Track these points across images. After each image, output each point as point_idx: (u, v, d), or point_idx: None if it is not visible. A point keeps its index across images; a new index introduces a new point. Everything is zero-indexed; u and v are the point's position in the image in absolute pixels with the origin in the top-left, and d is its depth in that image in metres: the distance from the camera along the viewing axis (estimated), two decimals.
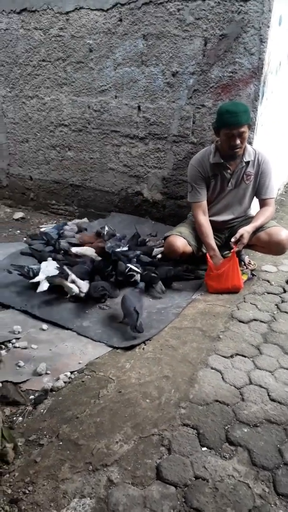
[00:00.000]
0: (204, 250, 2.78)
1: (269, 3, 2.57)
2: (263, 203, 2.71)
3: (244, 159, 2.60)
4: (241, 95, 2.85)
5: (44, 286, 2.42)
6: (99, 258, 2.80)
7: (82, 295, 2.42)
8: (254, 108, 2.85)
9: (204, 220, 2.71)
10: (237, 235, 2.51)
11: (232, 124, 2.41)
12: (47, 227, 3.47)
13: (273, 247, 2.63)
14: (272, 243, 2.59)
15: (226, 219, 2.81)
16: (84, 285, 2.45)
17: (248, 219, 2.73)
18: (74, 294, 2.41)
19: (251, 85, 2.80)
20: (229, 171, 2.63)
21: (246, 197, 2.74)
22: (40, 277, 2.50)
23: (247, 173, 2.64)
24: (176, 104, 3.12)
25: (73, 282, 2.43)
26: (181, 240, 2.68)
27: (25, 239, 3.52)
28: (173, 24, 2.92)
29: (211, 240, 2.68)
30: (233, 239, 2.53)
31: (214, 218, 2.80)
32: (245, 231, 2.52)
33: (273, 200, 2.71)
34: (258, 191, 2.70)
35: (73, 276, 2.44)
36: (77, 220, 3.67)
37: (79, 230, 3.33)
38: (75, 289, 2.40)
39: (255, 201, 2.81)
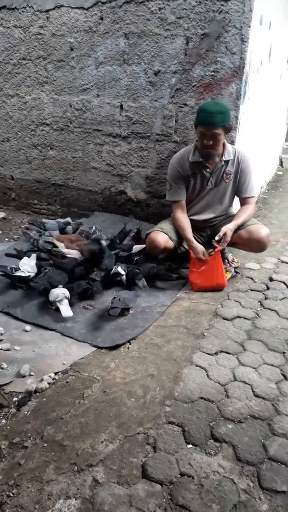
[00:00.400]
0: (186, 246, 2.80)
1: (249, 3, 2.59)
2: (243, 202, 2.73)
3: (223, 158, 2.62)
4: (223, 94, 2.87)
5: (67, 311, 2.31)
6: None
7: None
8: (236, 107, 2.87)
9: (181, 216, 2.74)
10: (221, 233, 2.53)
11: (205, 124, 2.44)
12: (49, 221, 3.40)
13: (254, 245, 2.66)
14: (252, 240, 2.61)
15: (207, 218, 2.83)
16: (67, 292, 2.39)
17: (229, 217, 2.76)
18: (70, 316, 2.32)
19: (233, 84, 2.82)
20: (208, 170, 2.65)
21: (227, 196, 2.77)
22: (22, 272, 2.49)
23: (226, 172, 2.67)
24: (159, 103, 3.13)
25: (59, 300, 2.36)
26: (162, 236, 2.69)
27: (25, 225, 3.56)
28: (155, 23, 2.92)
29: (189, 234, 2.69)
30: (216, 237, 2.54)
31: (195, 217, 2.81)
32: (228, 229, 2.54)
33: (253, 199, 2.74)
34: (239, 190, 2.72)
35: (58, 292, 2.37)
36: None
37: (75, 230, 3.26)
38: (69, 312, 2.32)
39: (237, 199, 2.83)
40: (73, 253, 2.76)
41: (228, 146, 2.64)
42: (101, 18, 3.09)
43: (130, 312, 2.36)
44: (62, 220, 3.38)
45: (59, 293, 2.33)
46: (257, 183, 4.01)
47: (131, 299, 2.37)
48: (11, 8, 3.43)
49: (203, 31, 2.79)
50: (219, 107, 2.45)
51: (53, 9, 3.24)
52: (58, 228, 3.23)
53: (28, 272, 2.55)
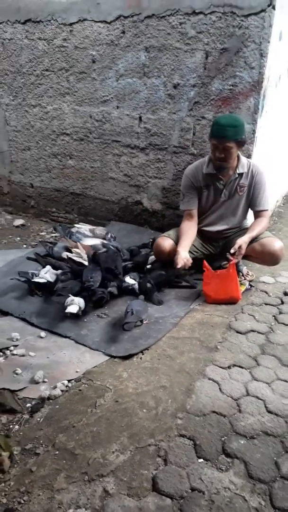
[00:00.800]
0: (195, 254, 2.81)
1: (269, 18, 2.61)
2: (257, 215, 2.74)
3: (237, 170, 2.64)
4: (241, 108, 2.89)
5: (73, 308, 2.33)
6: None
7: (80, 313, 2.39)
8: (254, 121, 2.88)
9: (185, 224, 2.77)
10: (236, 246, 2.53)
11: (217, 137, 2.48)
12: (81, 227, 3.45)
13: (267, 258, 2.65)
14: (266, 253, 2.61)
15: (220, 229, 2.83)
16: (82, 302, 2.41)
17: (243, 230, 2.76)
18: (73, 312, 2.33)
19: (251, 98, 2.83)
20: (221, 182, 2.67)
21: (240, 208, 2.77)
22: (40, 278, 2.54)
23: (240, 185, 2.68)
24: (177, 115, 3.16)
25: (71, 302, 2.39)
26: (168, 241, 2.73)
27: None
28: (175, 37, 2.96)
29: (183, 240, 2.67)
30: (232, 250, 2.54)
31: (209, 228, 2.83)
32: (243, 241, 2.54)
33: (267, 212, 2.74)
34: (252, 203, 2.73)
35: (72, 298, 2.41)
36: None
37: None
38: (74, 309, 2.33)
39: (251, 212, 2.83)
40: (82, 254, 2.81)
41: (243, 159, 2.66)
42: (123, 32, 3.15)
43: (144, 322, 2.37)
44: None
45: (73, 299, 2.36)
46: (271, 197, 4.00)
47: (143, 310, 2.38)
48: (36, 21, 3.52)
49: (222, 45, 2.82)
50: (232, 120, 2.48)
51: (77, 22, 3.32)
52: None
53: (47, 279, 2.58)
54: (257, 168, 2.68)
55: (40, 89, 3.74)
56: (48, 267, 2.71)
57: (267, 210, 2.73)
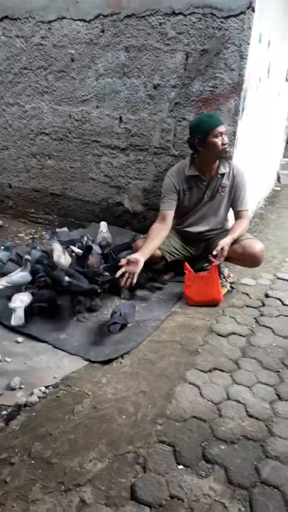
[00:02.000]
0: (174, 255, 2.80)
1: (249, 21, 2.61)
2: (238, 215, 2.74)
3: (219, 171, 2.65)
4: (222, 109, 2.89)
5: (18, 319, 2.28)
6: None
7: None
8: (234, 123, 2.88)
9: (159, 226, 2.67)
10: (218, 248, 2.52)
11: (218, 124, 2.49)
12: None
13: (248, 260, 2.66)
14: (247, 255, 2.61)
15: (201, 230, 2.82)
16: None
17: (224, 232, 2.75)
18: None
19: (232, 100, 2.83)
20: (204, 183, 2.67)
21: (221, 209, 2.77)
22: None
23: (222, 185, 2.68)
24: (158, 116, 3.14)
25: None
26: None
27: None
28: (155, 38, 2.94)
29: (148, 242, 2.58)
30: (214, 252, 2.53)
31: (190, 229, 2.82)
32: (225, 243, 2.53)
33: (247, 213, 2.76)
34: (233, 204, 2.74)
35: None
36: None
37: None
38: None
39: (231, 213, 2.83)
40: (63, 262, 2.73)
41: (224, 160, 2.66)
42: (102, 31, 3.11)
43: (128, 326, 2.34)
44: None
45: (17, 299, 2.32)
46: (253, 198, 4.02)
47: (130, 314, 2.34)
48: (13, 18, 3.45)
49: (202, 47, 2.81)
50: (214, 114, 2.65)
51: (55, 20, 3.27)
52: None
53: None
54: (238, 169, 2.69)
55: (18, 87, 3.66)
56: (19, 271, 2.57)
57: (247, 210, 2.75)
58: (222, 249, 2.52)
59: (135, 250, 2.71)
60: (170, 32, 2.87)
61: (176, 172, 2.71)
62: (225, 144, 2.53)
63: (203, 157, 2.60)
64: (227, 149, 2.59)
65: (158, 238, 2.64)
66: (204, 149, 2.55)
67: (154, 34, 2.93)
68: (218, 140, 2.51)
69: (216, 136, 2.50)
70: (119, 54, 3.11)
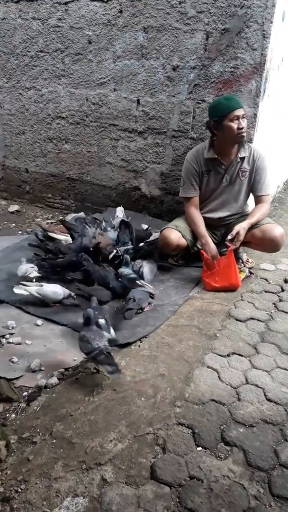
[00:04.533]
0: (199, 246, 2.77)
1: None
2: (258, 200, 2.69)
3: (239, 154, 2.60)
4: (242, 91, 2.82)
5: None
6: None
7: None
8: (255, 105, 2.81)
9: (194, 211, 2.74)
10: (233, 232, 2.50)
11: (235, 107, 2.44)
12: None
13: (267, 244, 2.62)
14: (266, 240, 2.57)
15: (221, 216, 2.79)
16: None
17: (244, 216, 2.72)
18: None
19: (253, 81, 2.76)
20: (223, 166, 2.63)
21: (242, 194, 2.73)
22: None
23: (242, 169, 2.63)
24: (176, 98, 3.08)
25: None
26: (175, 233, 2.67)
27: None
28: (175, 17, 2.87)
29: (201, 229, 2.69)
30: (229, 236, 2.51)
31: (210, 215, 2.78)
32: (241, 227, 2.50)
33: (268, 197, 2.70)
34: (254, 188, 2.69)
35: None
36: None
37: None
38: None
39: (252, 198, 2.78)
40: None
41: (244, 143, 2.60)
42: (120, 11, 3.05)
43: (145, 310, 2.34)
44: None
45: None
46: (272, 182, 3.94)
47: (144, 299, 2.35)
48: (29, 0, 3.41)
49: (223, 26, 2.73)
50: (234, 95, 2.63)
51: (72, 1, 3.22)
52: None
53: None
54: (259, 152, 2.64)
55: (35, 71, 3.64)
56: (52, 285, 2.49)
57: (268, 195, 2.69)
58: (238, 233, 2.49)
59: (165, 243, 2.68)
60: (190, 11, 2.80)
61: (195, 155, 2.68)
62: (241, 129, 2.46)
63: (221, 140, 2.56)
64: (243, 134, 2.51)
65: (202, 220, 2.73)
66: (220, 132, 2.51)
67: (173, 13, 2.86)
68: (234, 124, 2.45)
69: (232, 120, 2.45)
70: (137, 35, 3.05)
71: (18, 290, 2.35)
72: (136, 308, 2.26)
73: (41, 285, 2.38)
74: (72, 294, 2.38)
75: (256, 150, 2.64)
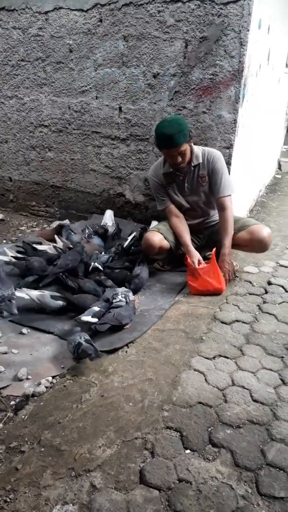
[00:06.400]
0: (183, 248, 2.80)
1: (248, 7, 2.59)
2: (219, 204, 2.65)
3: (192, 163, 2.62)
4: (222, 97, 2.87)
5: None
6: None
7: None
8: (235, 111, 2.87)
9: (176, 221, 2.77)
10: (226, 275, 2.65)
11: (169, 148, 2.46)
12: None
13: (256, 245, 2.66)
14: (255, 241, 2.62)
15: (200, 221, 2.84)
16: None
17: None
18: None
19: (232, 88, 2.82)
20: (181, 177, 2.67)
21: (209, 197, 2.75)
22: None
23: (200, 176, 2.66)
24: (158, 105, 3.12)
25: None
26: (157, 235, 2.70)
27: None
28: (154, 26, 2.92)
29: (184, 239, 2.72)
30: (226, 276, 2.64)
31: (190, 222, 2.82)
32: (226, 259, 2.64)
33: (229, 198, 2.64)
34: (213, 191, 2.68)
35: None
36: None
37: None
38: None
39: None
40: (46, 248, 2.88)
41: (196, 149, 2.62)
42: (100, 20, 3.09)
43: (125, 328, 2.24)
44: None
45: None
46: (252, 186, 4.01)
47: (126, 316, 2.24)
48: (10, 10, 3.42)
49: (202, 34, 2.79)
50: (176, 125, 2.40)
51: (52, 10, 3.24)
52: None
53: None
54: (212, 154, 2.63)
55: (16, 79, 3.65)
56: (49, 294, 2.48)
57: (229, 195, 2.65)
58: (227, 264, 2.63)
59: (148, 246, 2.70)
60: (169, 20, 2.85)
61: (154, 171, 2.76)
62: (177, 164, 2.53)
63: (167, 161, 2.63)
64: (181, 167, 2.56)
65: (186, 229, 2.76)
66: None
67: (152, 22, 2.91)
68: (169, 158, 2.54)
69: (167, 155, 2.54)
70: (118, 44, 3.09)
71: (19, 293, 2.35)
72: (113, 323, 2.17)
73: (43, 292, 2.39)
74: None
75: (209, 153, 2.63)
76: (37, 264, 2.63)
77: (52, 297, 2.37)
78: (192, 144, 2.58)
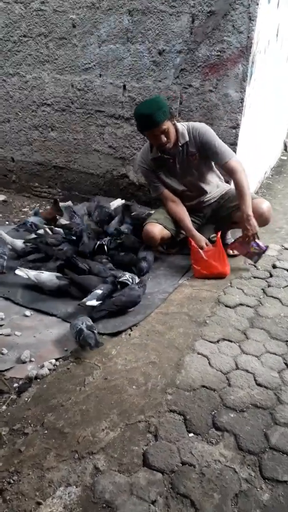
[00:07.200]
0: (184, 234, 2.76)
1: None
2: (227, 169, 2.51)
3: (179, 143, 2.52)
4: (229, 75, 2.78)
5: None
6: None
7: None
8: (242, 89, 2.78)
9: (173, 206, 2.71)
10: (250, 231, 2.48)
11: (151, 128, 2.39)
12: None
13: (256, 220, 2.54)
14: (255, 216, 2.53)
15: (197, 201, 2.76)
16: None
17: (225, 193, 2.73)
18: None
19: (239, 65, 2.73)
20: (171, 160, 2.59)
21: (204, 174, 2.67)
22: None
23: (190, 153, 2.56)
24: (163, 83, 3.04)
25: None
26: (157, 227, 2.64)
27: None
28: None
29: (188, 223, 2.66)
30: (250, 234, 2.49)
31: (188, 203, 2.75)
32: (249, 219, 2.46)
33: (234, 160, 2.50)
34: (215, 161, 2.60)
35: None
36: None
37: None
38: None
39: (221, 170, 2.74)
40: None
41: (180, 128, 2.51)
42: None
43: (128, 311, 2.24)
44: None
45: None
46: (259, 168, 3.94)
47: (128, 301, 2.20)
48: None
49: (209, 8, 2.68)
50: (154, 104, 2.35)
51: None
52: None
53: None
54: (197, 128, 2.53)
55: (18, 56, 3.55)
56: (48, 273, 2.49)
57: (233, 158, 2.50)
58: (250, 225, 2.47)
59: (149, 238, 2.64)
60: None
61: (143, 158, 2.69)
62: (162, 144, 2.45)
63: (153, 144, 2.55)
64: (166, 147, 2.47)
65: (184, 212, 2.70)
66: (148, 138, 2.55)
67: None
68: (153, 139, 2.46)
69: (150, 137, 2.47)
70: (122, 18, 2.98)
71: (19, 272, 2.36)
72: (109, 309, 2.17)
73: (42, 272, 2.39)
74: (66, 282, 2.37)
75: (193, 128, 2.53)
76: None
77: (57, 277, 2.36)
78: (175, 122, 2.50)
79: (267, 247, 2.60)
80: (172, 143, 2.50)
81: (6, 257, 2.61)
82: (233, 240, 2.80)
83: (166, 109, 2.36)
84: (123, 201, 3.42)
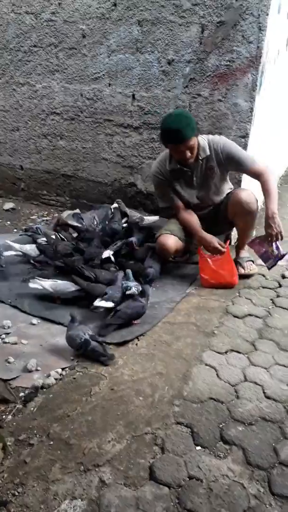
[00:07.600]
0: (189, 239, 2.74)
1: None
2: (252, 175, 2.52)
3: (200, 157, 2.50)
4: (238, 84, 2.79)
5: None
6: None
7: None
8: (252, 99, 2.78)
9: (183, 213, 2.67)
10: (274, 230, 2.38)
11: (179, 142, 2.36)
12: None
13: (238, 210, 2.55)
14: (234, 205, 2.54)
15: (209, 210, 2.75)
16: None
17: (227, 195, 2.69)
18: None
19: (249, 75, 2.73)
20: (189, 172, 2.57)
21: (220, 186, 2.66)
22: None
23: (209, 167, 2.54)
24: (172, 93, 3.05)
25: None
26: (171, 238, 2.61)
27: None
28: (169, 10, 2.83)
29: (196, 226, 2.63)
30: (274, 231, 2.38)
31: (198, 213, 2.72)
32: (275, 215, 2.36)
33: (259, 164, 2.49)
34: (241, 168, 2.57)
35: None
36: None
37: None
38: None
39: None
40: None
41: (201, 141, 2.49)
42: (114, 5, 3.01)
43: (134, 323, 2.21)
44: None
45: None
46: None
47: (134, 313, 2.18)
48: None
49: (219, 18, 2.69)
50: (183, 119, 2.34)
51: None
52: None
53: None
54: (217, 142, 2.51)
55: (28, 66, 3.59)
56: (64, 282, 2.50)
57: (257, 162, 2.49)
58: (274, 224, 2.37)
59: (163, 250, 2.62)
60: (185, 3, 2.76)
61: (159, 168, 2.64)
62: (185, 160, 2.43)
63: (174, 157, 2.53)
64: (189, 162, 2.46)
65: (193, 217, 2.66)
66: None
67: (168, 6, 2.82)
68: (177, 154, 2.44)
69: (174, 151, 2.44)
70: (132, 29, 3.01)
71: (33, 284, 2.35)
72: (117, 323, 2.15)
73: (56, 281, 2.38)
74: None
75: (214, 142, 2.51)
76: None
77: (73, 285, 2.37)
78: (197, 137, 2.48)
79: (286, 253, 2.45)
80: (194, 157, 2.48)
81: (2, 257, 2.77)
82: (248, 262, 2.73)
83: (194, 126, 2.35)
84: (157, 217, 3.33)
